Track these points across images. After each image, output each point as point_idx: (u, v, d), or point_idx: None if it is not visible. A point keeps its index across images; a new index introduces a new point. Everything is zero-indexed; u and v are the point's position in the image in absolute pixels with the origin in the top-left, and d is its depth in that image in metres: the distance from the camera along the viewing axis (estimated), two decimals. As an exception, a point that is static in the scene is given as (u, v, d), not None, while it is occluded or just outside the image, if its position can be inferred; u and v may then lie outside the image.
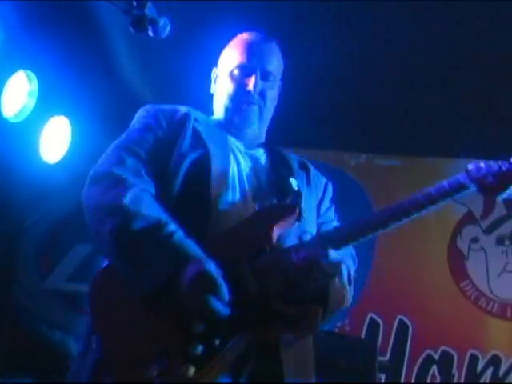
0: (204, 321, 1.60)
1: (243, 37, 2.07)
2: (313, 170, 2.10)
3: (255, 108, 1.99)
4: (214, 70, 2.13)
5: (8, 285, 4.43)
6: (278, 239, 1.76)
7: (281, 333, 1.67)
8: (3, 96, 3.43)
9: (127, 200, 1.69)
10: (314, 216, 1.99)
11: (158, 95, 4.08)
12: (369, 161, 4.69)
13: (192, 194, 1.80)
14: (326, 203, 2.06)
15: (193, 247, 1.65)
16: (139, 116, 1.99)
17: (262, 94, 1.99)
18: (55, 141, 4.04)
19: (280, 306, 1.64)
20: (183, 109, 1.99)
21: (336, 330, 3.87)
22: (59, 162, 4.12)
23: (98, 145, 4.35)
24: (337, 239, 1.74)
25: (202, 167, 1.84)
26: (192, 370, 1.54)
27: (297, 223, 1.82)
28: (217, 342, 1.59)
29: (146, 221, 1.67)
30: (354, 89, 3.98)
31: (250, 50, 2.01)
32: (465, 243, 4.49)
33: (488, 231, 4.49)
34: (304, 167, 2.08)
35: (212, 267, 1.60)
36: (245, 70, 1.99)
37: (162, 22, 2.72)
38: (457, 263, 4.46)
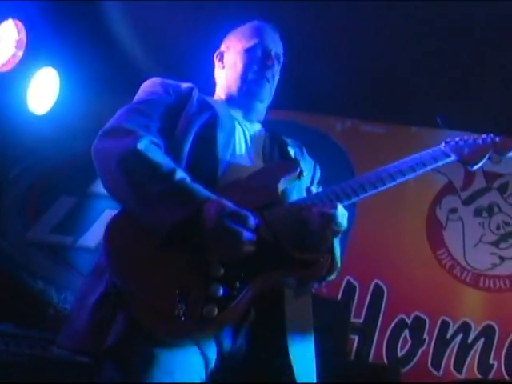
0: (223, 264, 1.67)
1: (256, 23, 2.19)
2: (305, 150, 2.19)
3: (268, 85, 2.11)
4: (218, 51, 2.21)
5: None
6: (282, 194, 1.85)
7: (293, 276, 1.75)
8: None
9: (139, 147, 1.75)
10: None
11: (146, 49, 4.09)
12: (354, 126, 4.72)
13: (201, 152, 1.88)
14: (315, 184, 2.13)
15: (206, 190, 1.73)
16: (146, 85, 2.05)
17: (273, 75, 2.13)
18: (43, 92, 4.05)
19: (292, 251, 1.73)
20: (187, 83, 2.06)
21: (312, 291, 3.95)
22: (47, 113, 4.15)
23: (86, 97, 4.43)
24: (341, 194, 1.84)
25: (210, 127, 1.93)
26: (216, 311, 1.61)
27: (297, 181, 1.93)
28: (237, 284, 1.66)
29: (158, 166, 1.73)
30: (342, 55, 4.01)
31: (266, 34, 2.15)
32: (443, 213, 4.54)
33: (467, 202, 4.55)
34: (297, 145, 2.17)
35: (231, 204, 1.68)
36: (264, 50, 2.11)
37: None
38: (434, 232, 4.52)
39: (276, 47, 2.14)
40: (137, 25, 3.96)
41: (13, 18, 3.54)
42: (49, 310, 4.29)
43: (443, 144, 2.03)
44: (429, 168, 1.94)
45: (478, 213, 4.54)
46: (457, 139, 2.05)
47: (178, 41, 4.02)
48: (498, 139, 2.07)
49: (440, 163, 1.98)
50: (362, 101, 4.40)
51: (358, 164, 4.53)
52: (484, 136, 2.08)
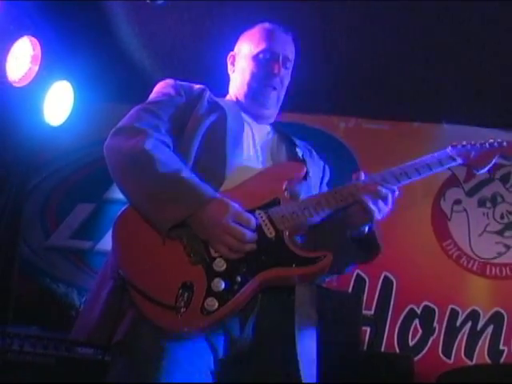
0: (226, 259, 1.71)
1: (266, 26, 2.19)
2: (314, 152, 2.22)
3: (275, 93, 2.13)
4: (231, 53, 2.26)
5: (14, 243, 4.60)
6: (288, 193, 1.90)
7: (294, 273, 1.78)
8: (8, 61, 3.56)
9: (147, 146, 1.80)
10: (317, 189, 2.11)
11: (156, 60, 4.20)
12: (358, 124, 4.77)
13: (209, 151, 1.92)
14: (324, 186, 2.17)
15: (211, 189, 1.77)
16: (159, 86, 2.10)
17: (282, 80, 2.14)
18: (58, 105, 4.18)
19: (295, 249, 1.78)
20: (199, 85, 2.12)
21: (324, 285, 4.01)
22: (62, 124, 4.27)
23: (99, 108, 4.55)
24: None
25: (219, 127, 1.97)
26: (216, 304, 1.65)
27: (304, 181, 1.98)
28: (238, 278, 1.70)
29: (165, 163, 1.78)
30: (344, 54, 4.06)
31: (275, 37, 2.16)
32: (448, 205, 4.60)
33: (470, 194, 4.60)
34: (306, 147, 2.20)
35: (235, 204, 1.74)
36: (270, 55, 2.12)
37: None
38: (440, 223, 4.58)
39: (285, 51, 2.14)
40: (148, 35, 4.05)
41: (28, 35, 3.65)
42: (71, 313, 4.36)
43: (449, 147, 2.00)
44: (434, 171, 1.94)
45: (481, 203, 4.59)
46: (464, 143, 2.02)
47: (188, 48, 4.10)
48: (505, 144, 2.04)
49: (446, 167, 1.97)
50: (364, 99, 4.45)
51: (363, 161, 4.58)
52: (491, 140, 2.05)
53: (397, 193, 1.86)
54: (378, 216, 1.86)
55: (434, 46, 3.97)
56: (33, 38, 3.70)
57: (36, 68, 3.79)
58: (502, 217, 4.57)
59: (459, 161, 1.98)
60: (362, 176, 1.90)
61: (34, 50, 3.75)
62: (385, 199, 1.84)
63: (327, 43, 3.96)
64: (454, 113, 4.45)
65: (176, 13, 3.85)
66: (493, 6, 3.56)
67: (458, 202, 4.62)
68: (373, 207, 1.83)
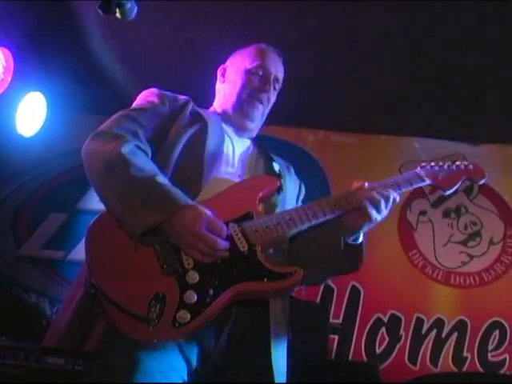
0: (199, 271, 1.71)
1: (262, 46, 2.26)
2: (292, 170, 2.25)
3: (261, 107, 2.17)
4: (223, 65, 2.29)
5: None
6: (262, 207, 1.92)
7: (265, 288, 1.77)
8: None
9: (124, 150, 1.80)
10: (293, 205, 2.10)
11: (127, 72, 4.25)
12: (326, 137, 4.86)
13: (187, 163, 1.93)
14: (299, 203, 2.18)
15: (185, 196, 1.76)
16: (143, 94, 2.11)
17: (269, 98, 2.20)
18: (31, 116, 4.21)
19: (267, 264, 1.77)
20: (183, 96, 2.14)
21: (293, 294, 4.04)
22: (35, 135, 4.30)
23: (71, 119, 4.57)
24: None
25: (199, 139, 1.98)
26: (188, 317, 1.65)
27: (278, 196, 1.99)
28: (210, 291, 1.69)
29: (141, 169, 1.77)
30: (313, 66, 4.11)
31: (269, 57, 2.22)
32: (414, 216, 4.72)
33: (435, 205, 4.72)
34: (285, 163, 2.23)
35: (208, 211, 1.74)
36: (264, 73, 2.18)
37: (128, 4, 2.89)
38: (406, 234, 4.69)
39: (277, 71, 2.20)
40: (120, 48, 4.09)
41: (0, 46, 3.70)
42: (43, 322, 4.32)
43: (418, 168, 2.03)
44: (404, 190, 1.96)
45: (446, 214, 4.72)
46: (432, 164, 2.06)
47: (161, 60, 4.14)
48: (471, 167, 2.08)
49: (414, 186, 1.99)
50: (332, 112, 4.52)
51: (331, 173, 4.67)
52: (458, 163, 2.09)
53: (398, 198, 1.91)
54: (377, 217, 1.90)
55: (401, 60, 4.05)
56: (5, 50, 3.73)
57: (9, 79, 3.82)
58: (465, 227, 4.71)
59: (427, 181, 2.01)
60: (366, 184, 1.94)
61: (6, 61, 3.77)
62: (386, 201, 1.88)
63: (297, 56, 4.00)
64: (422, 126, 4.54)
65: (148, 26, 3.89)
66: (455, 23, 3.66)
67: (423, 213, 4.73)
68: (372, 210, 1.86)
